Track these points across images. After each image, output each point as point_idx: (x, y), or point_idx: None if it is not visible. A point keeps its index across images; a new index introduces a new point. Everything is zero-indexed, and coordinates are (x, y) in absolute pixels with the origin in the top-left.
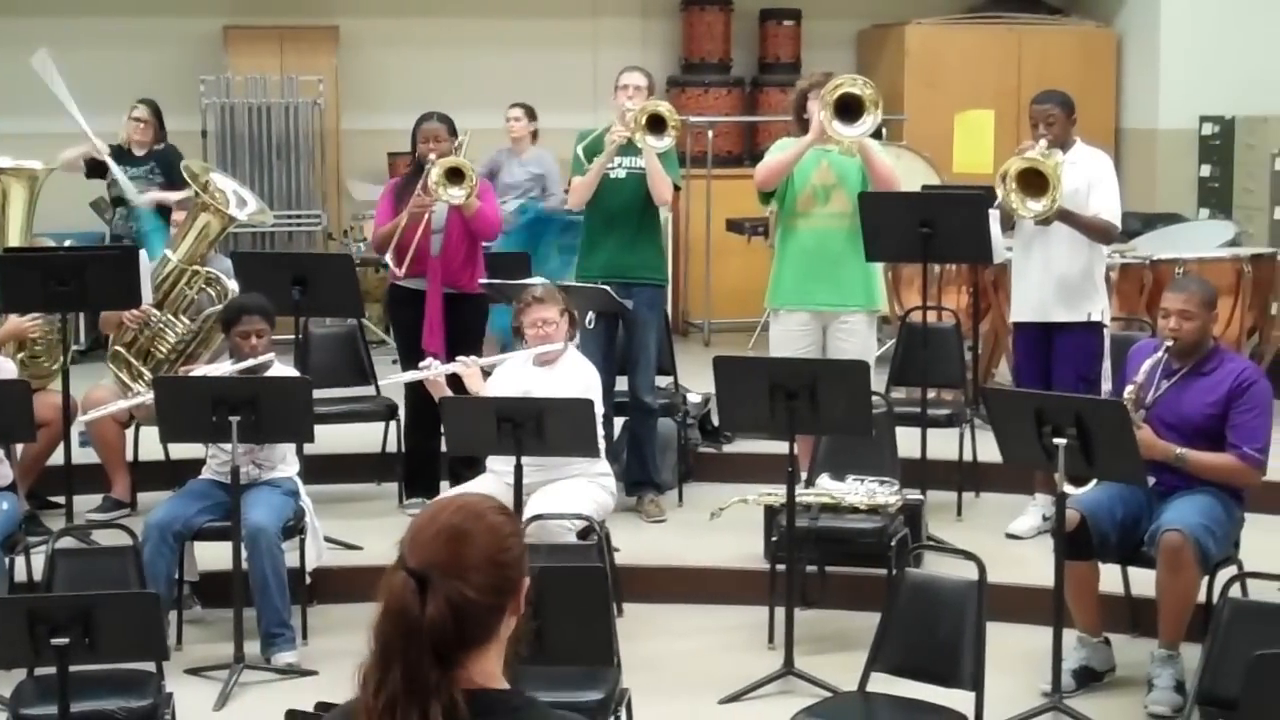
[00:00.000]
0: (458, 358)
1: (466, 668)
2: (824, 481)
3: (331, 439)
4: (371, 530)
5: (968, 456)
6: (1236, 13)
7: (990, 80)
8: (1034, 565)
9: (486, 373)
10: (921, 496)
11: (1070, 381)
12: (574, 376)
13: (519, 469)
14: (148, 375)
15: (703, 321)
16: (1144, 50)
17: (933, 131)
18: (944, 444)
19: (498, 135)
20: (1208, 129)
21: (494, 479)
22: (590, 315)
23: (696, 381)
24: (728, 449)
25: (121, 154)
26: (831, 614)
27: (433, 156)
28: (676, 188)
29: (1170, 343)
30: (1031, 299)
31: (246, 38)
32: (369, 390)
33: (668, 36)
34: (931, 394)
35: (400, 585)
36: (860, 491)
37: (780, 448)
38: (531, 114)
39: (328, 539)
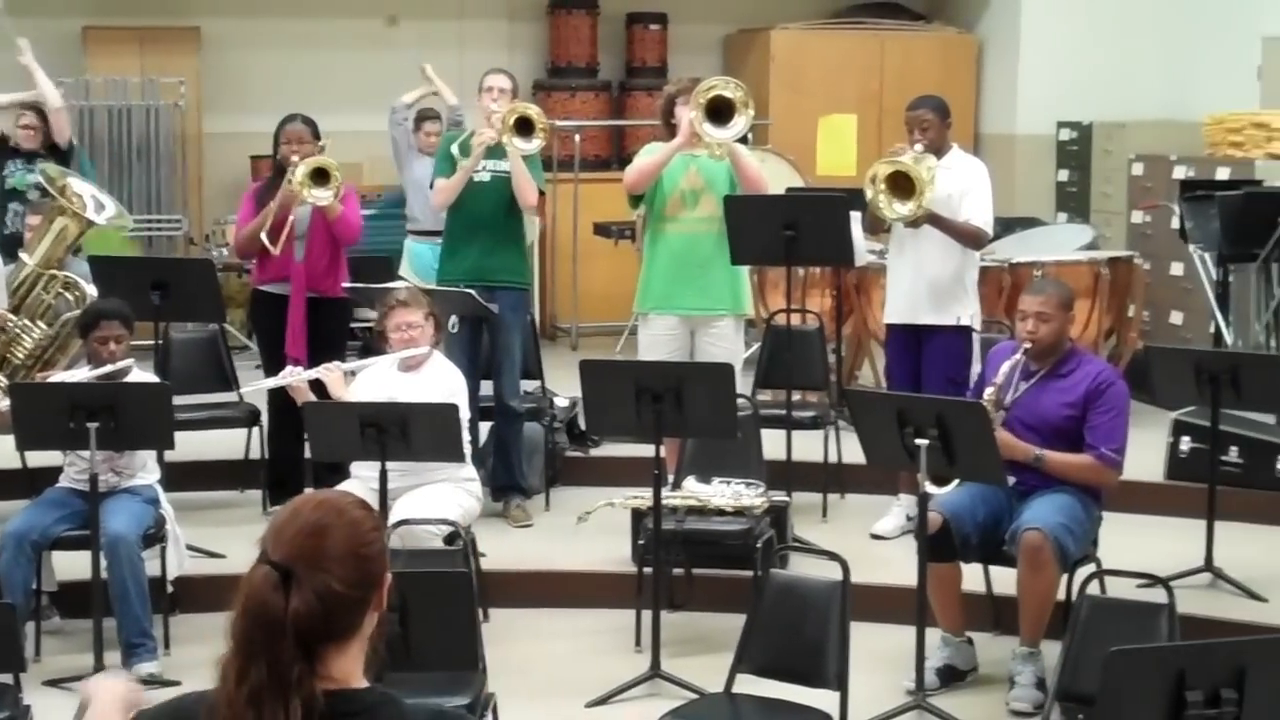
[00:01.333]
0: (322, 364)
1: (327, 664)
2: (690, 484)
3: (193, 445)
4: (234, 538)
5: (832, 458)
6: (1094, 21)
7: (853, 85)
8: (897, 565)
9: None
10: (787, 498)
11: (939, 384)
12: (439, 381)
13: (384, 474)
14: (3, 381)
15: (570, 325)
16: (1004, 57)
17: (797, 135)
18: (809, 446)
19: (363, 138)
20: (1065, 134)
21: (358, 484)
22: (454, 319)
23: (564, 385)
24: (594, 452)
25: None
26: (698, 616)
27: (295, 159)
28: (541, 192)
29: (1028, 344)
30: (902, 301)
31: (106, 39)
32: (231, 396)
33: (534, 39)
34: (796, 396)
35: (262, 579)
36: (726, 494)
37: (647, 451)
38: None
39: (189, 547)
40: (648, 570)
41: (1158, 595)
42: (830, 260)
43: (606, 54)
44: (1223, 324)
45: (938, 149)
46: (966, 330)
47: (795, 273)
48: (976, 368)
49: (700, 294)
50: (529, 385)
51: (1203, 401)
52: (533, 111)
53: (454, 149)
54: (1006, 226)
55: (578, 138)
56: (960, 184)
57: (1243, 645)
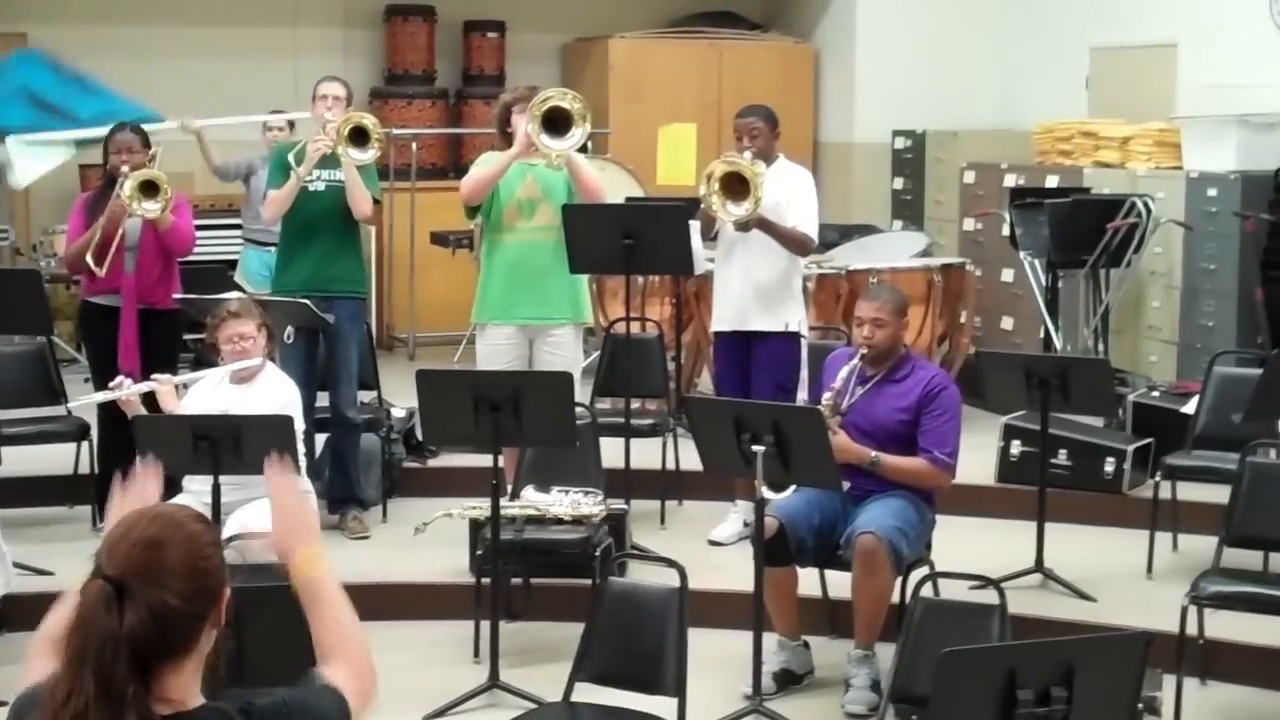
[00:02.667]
0: (152, 376)
1: (163, 683)
2: (529, 493)
3: (20, 461)
4: (63, 554)
5: (670, 465)
6: (928, 32)
7: (692, 94)
8: (735, 571)
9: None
10: (625, 506)
11: (768, 390)
12: (273, 393)
13: (216, 488)
14: None
15: (407, 335)
16: (840, 66)
17: (636, 144)
18: (647, 453)
19: (195, 147)
20: (900, 143)
21: (191, 499)
22: (289, 330)
23: (400, 396)
24: (432, 463)
25: None
26: (537, 625)
27: (125, 169)
28: (376, 201)
29: (864, 350)
30: (731, 307)
31: None
32: (59, 410)
33: (370, 46)
34: (635, 404)
35: (96, 593)
36: (565, 502)
37: (485, 461)
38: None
39: (17, 564)
40: (486, 580)
41: (990, 596)
42: (670, 269)
43: (444, 62)
44: (1052, 329)
45: (766, 157)
46: (795, 336)
47: (635, 281)
48: (804, 374)
49: (538, 303)
50: (365, 396)
51: (1032, 405)
52: (367, 121)
53: (290, 157)
54: (844, 234)
55: (414, 146)
56: (787, 192)
57: (1072, 644)
